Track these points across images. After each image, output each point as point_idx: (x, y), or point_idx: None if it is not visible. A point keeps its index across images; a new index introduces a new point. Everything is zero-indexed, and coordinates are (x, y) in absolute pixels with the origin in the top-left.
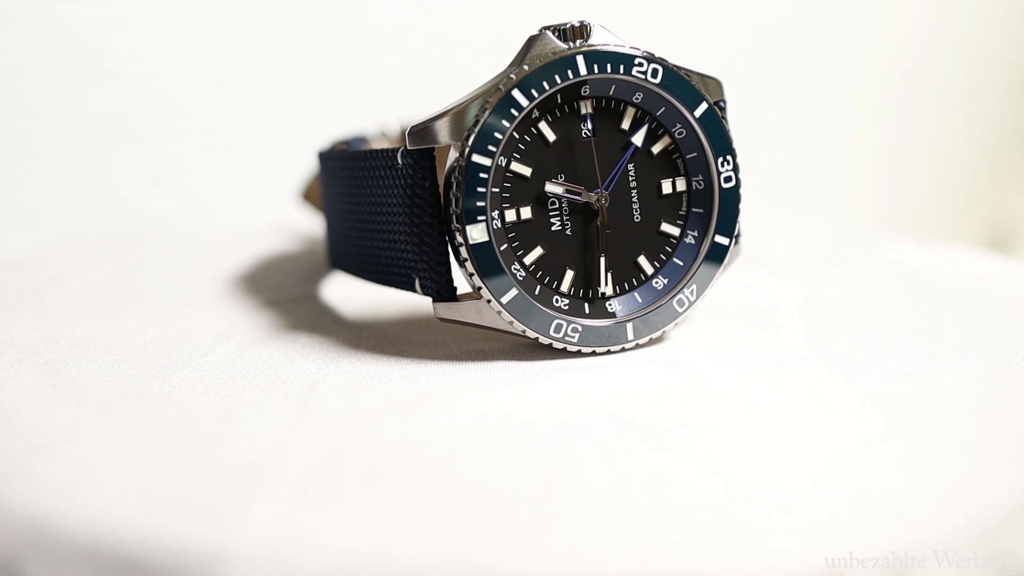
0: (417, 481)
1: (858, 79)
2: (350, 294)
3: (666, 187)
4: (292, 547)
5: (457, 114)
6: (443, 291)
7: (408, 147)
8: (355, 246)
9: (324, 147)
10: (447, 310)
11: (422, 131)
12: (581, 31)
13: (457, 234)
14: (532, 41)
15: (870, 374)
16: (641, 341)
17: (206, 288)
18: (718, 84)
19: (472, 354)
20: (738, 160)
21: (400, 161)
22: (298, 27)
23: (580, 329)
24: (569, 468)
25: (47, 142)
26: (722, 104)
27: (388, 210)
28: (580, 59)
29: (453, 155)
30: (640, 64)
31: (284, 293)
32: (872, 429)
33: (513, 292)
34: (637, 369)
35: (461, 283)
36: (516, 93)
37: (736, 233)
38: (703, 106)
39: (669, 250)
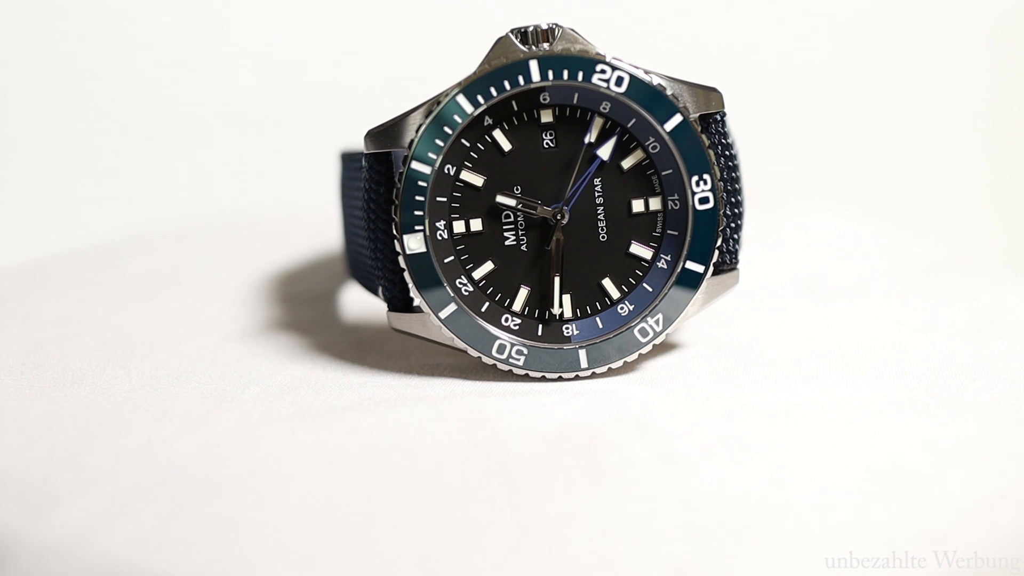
0: (249, 499)
1: None
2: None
3: (637, 206)
4: (76, 549)
5: (410, 119)
6: (395, 300)
7: (364, 150)
8: (347, 248)
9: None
10: (398, 320)
11: (378, 134)
12: (547, 34)
13: (396, 243)
14: (496, 44)
15: (845, 431)
16: (598, 370)
17: (238, 278)
18: (718, 96)
19: (425, 368)
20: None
21: (363, 164)
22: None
23: (526, 352)
24: (419, 499)
25: (156, 130)
26: (718, 117)
27: (357, 213)
28: (533, 64)
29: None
30: (603, 71)
31: (307, 289)
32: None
33: (452, 307)
34: (568, 399)
35: None
36: (460, 99)
37: (716, 260)
38: (675, 119)
39: (640, 274)
